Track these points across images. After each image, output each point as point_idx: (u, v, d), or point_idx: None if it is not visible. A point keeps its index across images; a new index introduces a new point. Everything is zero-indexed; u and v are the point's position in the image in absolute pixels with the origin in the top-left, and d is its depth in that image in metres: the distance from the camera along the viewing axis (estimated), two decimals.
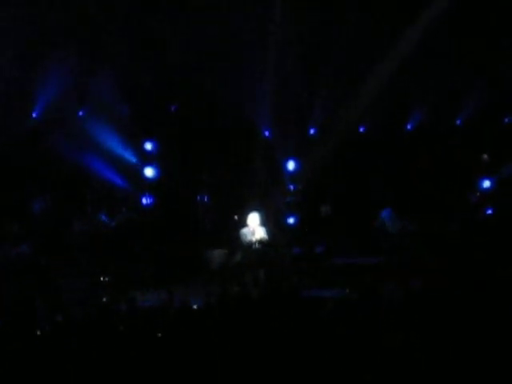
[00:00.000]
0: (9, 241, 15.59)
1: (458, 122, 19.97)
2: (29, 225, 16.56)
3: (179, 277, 15.92)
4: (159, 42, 17.44)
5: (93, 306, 11.42)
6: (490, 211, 19.47)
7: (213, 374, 6.82)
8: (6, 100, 16.57)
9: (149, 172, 18.66)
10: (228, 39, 17.05)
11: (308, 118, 19.31)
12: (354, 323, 7.76)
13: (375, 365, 6.58)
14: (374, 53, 17.92)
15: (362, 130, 19.93)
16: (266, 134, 19.23)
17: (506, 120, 20.04)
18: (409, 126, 19.97)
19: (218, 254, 16.54)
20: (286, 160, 19.35)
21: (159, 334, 7.94)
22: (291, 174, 19.41)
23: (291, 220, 19.14)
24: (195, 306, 9.98)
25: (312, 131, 19.63)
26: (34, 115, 17.69)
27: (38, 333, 8.23)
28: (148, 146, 18.74)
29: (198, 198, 18.64)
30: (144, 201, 18.69)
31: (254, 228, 14.09)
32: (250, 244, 14.03)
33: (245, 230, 14.19)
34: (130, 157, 18.53)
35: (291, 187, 19.33)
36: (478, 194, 19.50)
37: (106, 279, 15.42)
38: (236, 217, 17.13)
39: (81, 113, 18.18)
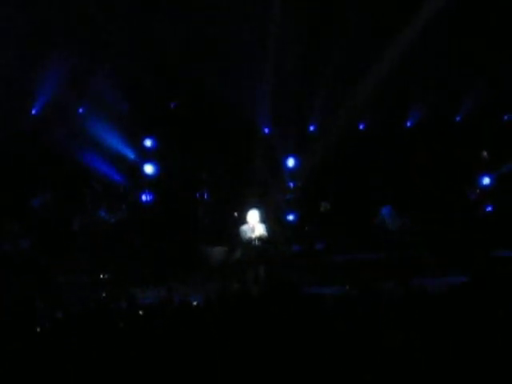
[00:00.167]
0: (9, 238, 15.61)
1: (457, 118, 19.97)
2: (29, 222, 16.58)
3: (179, 274, 15.92)
4: (159, 39, 17.44)
5: (93, 303, 11.40)
6: (489, 208, 19.47)
7: (213, 371, 6.82)
8: (6, 97, 16.56)
9: (148, 169, 18.67)
10: (228, 37, 17.05)
11: (307, 115, 19.32)
12: (354, 320, 7.76)
13: (375, 363, 6.57)
14: (373, 50, 17.91)
15: (361, 127, 19.93)
16: (266, 131, 19.24)
17: (506, 117, 20.04)
18: (408, 123, 19.97)
19: (217, 251, 16.55)
20: (286, 157, 19.36)
21: (159, 331, 7.94)
22: (291, 171, 19.42)
23: (291, 217, 19.14)
24: (195, 303, 9.97)
25: (311, 128, 19.64)
26: (33, 112, 17.70)
27: (38, 330, 8.23)
28: (148, 142, 18.76)
29: (198, 195, 18.64)
30: (143, 198, 18.70)
31: (254, 225, 14.08)
32: (250, 241, 14.01)
33: (244, 227, 14.18)
34: (130, 154, 18.54)
35: (291, 184, 19.33)
36: (478, 190, 19.49)
37: (106, 276, 15.43)
38: (236, 214, 17.13)
39: (80, 110, 18.19)
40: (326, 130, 19.16)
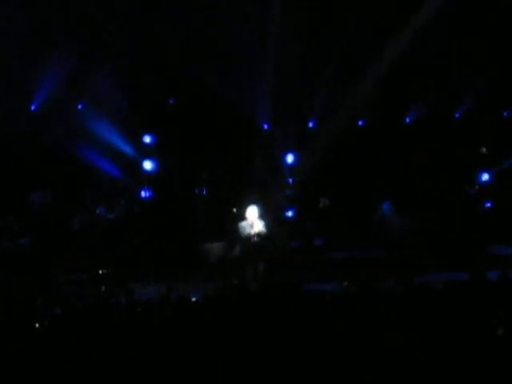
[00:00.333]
0: (8, 236, 15.62)
1: (456, 115, 19.98)
2: (28, 218, 16.59)
3: (178, 270, 15.92)
4: (159, 38, 17.43)
5: (92, 299, 11.42)
6: (488, 204, 19.49)
7: (212, 367, 6.82)
8: (5, 94, 16.56)
9: (147, 165, 18.68)
10: (227, 33, 17.04)
11: (307, 111, 19.31)
12: (354, 319, 7.76)
13: (375, 363, 6.58)
14: (373, 48, 17.91)
15: (360, 123, 19.93)
16: (265, 127, 19.24)
17: (505, 113, 20.04)
18: (408, 120, 19.98)
19: (216, 247, 16.55)
20: (285, 153, 19.37)
21: (157, 327, 7.94)
22: (290, 167, 19.42)
23: (290, 213, 19.15)
24: (194, 299, 9.97)
25: (311, 125, 19.64)
26: (32, 109, 17.70)
27: (37, 325, 8.24)
28: (147, 139, 18.76)
29: (197, 191, 18.65)
30: (142, 194, 18.70)
31: (253, 221, 14.05)
32: (249, 237, 14.00)
33: (243, 223, 14.15)
34: (129, 150, 18.54)
35: (290, 180, 19.34)
36: (477, 187, 19.51)
37: (105, 272, 15.42)
38: (235, 210, 17.13)
39: (80, 106, 18.18)
40: (325, 126, 19.16)
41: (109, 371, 6.92)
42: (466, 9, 17.38)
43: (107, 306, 9.57)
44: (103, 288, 13.27)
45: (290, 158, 19.41)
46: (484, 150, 19.65)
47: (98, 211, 17.24)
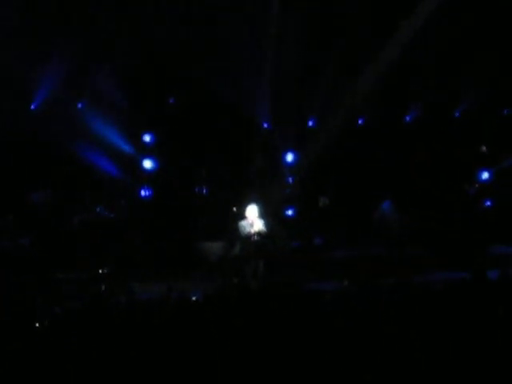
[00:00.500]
0: (8, 234, 15.61)
1: (456, 114, 19.96)
2: (28, 218, 16.58)
3: (178, 269, 15.92)
4: (159, 36, 17.41)
5: (91, 297, 11.41)
6: (488, 203, 19.48)
7: (212, 367, 6.82)
8: (6, 93, 16.55)
9: (147, 164, 18.67)
10: (227, 33, 17.04)
11: (307, 110, 19.30)
12: (353, 316, 7.76)
13: (375, 362, 6.57)
14: (373, 47, 17.90)
15: (360, 122, 19.91)
16: (265, 126, 19.23)
17: (505, 111, 20.02)
18: (407, 119, 19.97)
19: (216, 247, 16.55)
20: (285, 152, 19.36)
21: (157, 326, 7.94)
22: (290, 166, 19.41)
23: (290, 212, 19.14)
24: (194, 298, 9.97)
25: (311, 123, 19.63)
26: (32, 108, 17.69)
27: (37, 325, 8.24)
28: (147, 138, 18.75)
29: (197, 190, 18.64)
30: (142, 193, 18.70)
31: (253, 220, 14.06)
32: (249, 236, 14.01)
33: (243, 222, 14.16)
34: (129, 149, 18.53)
35: (290, 179, 19.33)
36: (477, 185, 19.50)
37: (105, 271, 15.43)
38: (235, 209, 17.12)
39: (80, 105, 18.18)
40: (325, 125, 19.14)
41: (109, 371, 6.91)
42: (466, 8, 17.36)
43: (107, 305, 9.56)
44: (103, 287, 13.27)
45: (289, 157, 19.40)
46: (484, 148, 19.63)
47: (97, 210, 17.23)
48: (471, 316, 7.48)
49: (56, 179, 17.41)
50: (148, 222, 17.95)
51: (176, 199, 18.49)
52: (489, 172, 19.62)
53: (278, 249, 15.45)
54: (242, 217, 14.37)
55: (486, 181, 19.66)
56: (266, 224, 14.19)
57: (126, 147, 18.45)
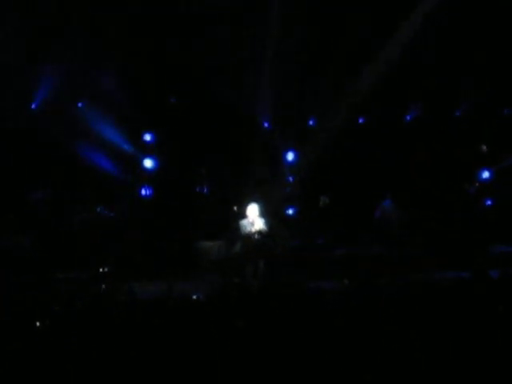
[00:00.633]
0: (8, 234, 15.61)
1: (456, 113, 19.96)
2: (28, 217, 16.58)
3: (178, 268, 15.92)
4: (159, 35, 17.43)
5: (92, 297, 11.40)
6: (489, 202, 19.47)
7: (213, 366, 6.82)
8: (6, 92, 16.55)
9: (148, 163, 18.68)
10: (228, 33, 17.04)
11: (307, 109, 19.30)
12: (354, 316, 7.76)
13: (374, 361, 6.57)
14: (373, 46, 17.90)
15: (360, 121, 19.92)
16: (266, 125, 19.23)
17: (506, 111, 20.02)
18: (408, 118, 19.97)
19: (217, 246, 16.55)
20: (286, 151, 19.36)
21: (158, 325, 7.94)
22: (290, 165, 19.42)
23: (290, 211, 19.15)
24: (195, 297, 9.97)
25: (311, 122, 19.64)
26: (32, 107, 17.70)
27: (38, 324, 8.23)
28: (147, 137, 18.75)
29: (198, 189, 18.64)
30: (143, 192, 18.70)
31: (254, 219, 14.08)
32: (250, 235, 14.02)
33: (244, 222, 14.18)
34: (129, 148, 18.53)
35: (290, 178, 19.33)
36: (477, 184, 19.50)
37: (106, 270, 15.42)
38: (235, 208, 17.13)
39: (80, 104, 18.18)
40: (325, 124, 19.14)
41: (109, 371, 6.91)
42: (466, 8, 17.36)
43: (107, 305, 9.56)
44: (103, 287, 13.26)
45: (290, 156, 19.41)
46: (484, 147, 19.63)
47: (97, 210, 17.24)
48: (471, 315, 7.48)
49: (56, 179, 17.41)
50: (148, 222, 17.95)
51: (176, 199, 18.49)
52: (489, 171, 19.61)
53: (278, 248, 15.45)
54: (243, 216, 14.38)
55: (486, 180, 19.65)
56: (267, 223, 14.21)
57: (127, 146, 18.47)
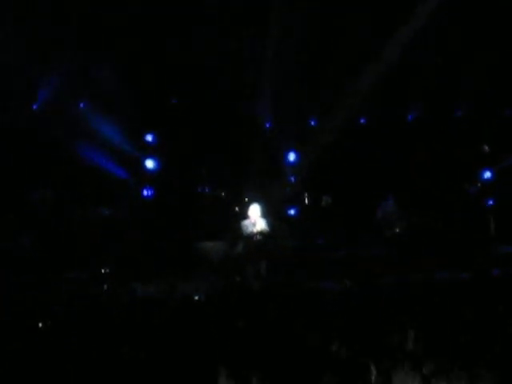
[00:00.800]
0: (8, 234, 15.62)
1: (457, 113, 19.95)
2: (28, 217, 16.58)
3: (179, 269, 15.92)
4: (160, 35, 17.43)
5: (93, 298, 11.42)
6: (490, 202, 19.46)
7: (213, 366, 6.82)
8: (7, 92, 16.56)
9: (149, 164, 18.68)
10: (228, 33, 17.04)
11: (308, 109, 19.30)
12: (354, 315, 7.77)
13: (375, 360, 6.58)
14: (373, 45, 17.90)
15: (362, 121, 19.91)
16: (267, 126, 19.23)
17: (507, 111, 20.00)
18: (409, 118, 19.96)
19: (219, 246, 16.55)
20: (287, 152, 19.36)
21: (160, 325, 7.95)
22: (292, 165, 19.41)
23: (292, 211, 19.14)
24: (196, 297, 9.99)
25: (312, 123, 19.63)
26: (34, 107, 17.71)
27: (40, 325, 8.24)
28: (148, 137, 18.76)
29: (199, 189, 18.64)
30: (144, 193, 18.71)
31: (255, 219, 14.08)
32: (251, 235, 14.02)
33: (246, 222, 14.18)
34: (131, 149, 18.54)
35: (292, 179, 19.33)
36: (479, 185, 19.48)
37: (107, 271, 15.43)
38: (237, 208, 17.13)
39: (82, 105, 18.19)
40: (326, 124, 19.14)
41: (110, 371, 6.92)
42: (466, 8, 17.36)
43: (109, 305, 9.57)
44: (105, 287, 13.27)
45: (291, 157, 19.40)
46: (486, 147, 19.62)
47: (99, 210, 17.24)
48: (471, 315, 7.49)
49: (56, 179, 17.41)
50: (149, 222, 17.95)
51: (178, 199, 18.49)
52: (490, 171, 19.59)
53: (279, 248, 15.46)
54: (245, 216, 14.38)
55: (487, 180, 19.63)
56: (269, 223, 14.21)
57: (128, 147, 18.46)
